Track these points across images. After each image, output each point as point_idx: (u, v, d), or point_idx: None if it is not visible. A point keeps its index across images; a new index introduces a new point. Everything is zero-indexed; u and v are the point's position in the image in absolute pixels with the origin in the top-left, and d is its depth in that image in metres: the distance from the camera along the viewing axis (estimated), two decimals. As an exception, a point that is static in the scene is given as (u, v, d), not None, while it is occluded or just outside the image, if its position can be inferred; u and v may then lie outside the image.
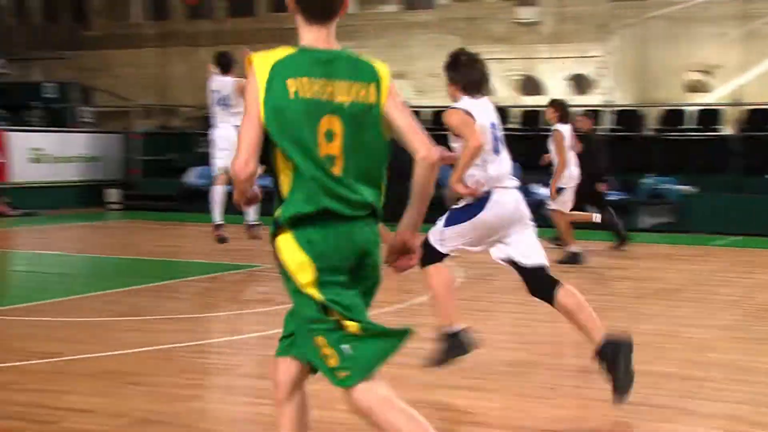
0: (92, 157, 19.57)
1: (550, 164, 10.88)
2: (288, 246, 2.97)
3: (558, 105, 10.80)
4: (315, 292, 2.95)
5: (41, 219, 16.77)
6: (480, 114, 5.25)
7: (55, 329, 6.99)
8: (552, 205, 10.96)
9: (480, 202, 5.15)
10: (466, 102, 5.29)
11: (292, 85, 2.90)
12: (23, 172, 18.02)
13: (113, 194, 19.43)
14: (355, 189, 2.96)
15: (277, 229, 3.00)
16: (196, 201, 18.47)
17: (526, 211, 5.22)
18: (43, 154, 18.54)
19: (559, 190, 10.88)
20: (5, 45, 22.03)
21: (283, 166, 2.95)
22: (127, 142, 20.11)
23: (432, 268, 5.27)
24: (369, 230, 3.01)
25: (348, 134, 2.94)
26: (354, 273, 2.99)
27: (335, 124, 2.93)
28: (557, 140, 10.68)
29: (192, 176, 19.23)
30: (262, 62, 2.94)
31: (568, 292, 4.99)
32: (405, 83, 20.29)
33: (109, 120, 21.62)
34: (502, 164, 5.27)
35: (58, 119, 20.47)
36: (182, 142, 20.46)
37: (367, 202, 2.99)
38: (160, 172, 20.02)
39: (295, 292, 3.01)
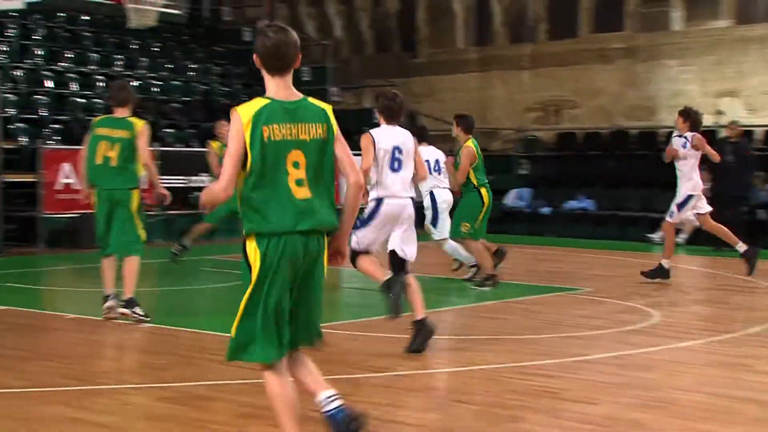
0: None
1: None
2: None
3: (685, 114, 10.72)
4: None
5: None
6: (384, 139, 6.89)
7: (384, 345, 7.24)
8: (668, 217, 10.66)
9: (374, 210, 6.90)
10: (378, 128, 6.93)
11: (266, 130, 3.87)
12: (353, 193, 18.99)
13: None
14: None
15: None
16: (513, 223, 18.57)
17: (409, 216, 7.00)
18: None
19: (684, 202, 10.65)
20: (341, 75, 23.44)
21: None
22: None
23: (359, 260, 7.13)
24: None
25: (310, 162, 3.93)
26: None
27: (300, 156, 3.91)
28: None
29: (511, 198, 19.34)
30: (244, 112, 3.91)
31: (410, 278, 7.15)
32: (735, 101, 19.18)
33: (434, 143, 22.30)
34: (396, 180, 6.87)
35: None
36: (501, 164, 20.64)
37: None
38: (481, 194, 20.32)
39: None
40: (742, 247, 10.97)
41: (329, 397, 4.04)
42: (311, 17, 24.97)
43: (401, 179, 6.92)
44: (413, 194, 7.03)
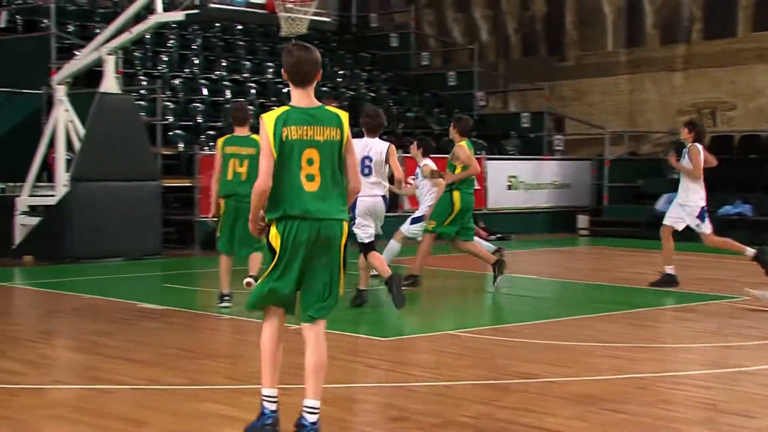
0: (563, 183, 19.99)
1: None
2: None
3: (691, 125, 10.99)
4: None
5: (514, 243, 17.43)
6: (359, 150, 8.53)
7: (531, 351, 7.18)
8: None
9: (353, 206, 8.56)
10: (356, 139, 7.56)
11: (285, 131, 4.59)
12: (499, 198, 18.89)
13: (582, 220, 19.64)
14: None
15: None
16: (666, 229, 18.07)
17: (380, 211, 9.07)
18: (517, 181, 19.31)
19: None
20: (487, 79, 23.39)
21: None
22: (597, 169, 20.25)
23: (370, 255, 8.97)
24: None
25: (323, 160, 4.65)
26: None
27: (314, 154, 4.63)
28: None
29: (661, 203, 18.81)
30: (269, 118, 4.64)
31: (374, 254, 8.95)
32: None
33: (580, 147, 21.96)
34: (366, 184, 8.66)
35: (532, 148, 21.24)
36: (651, 169, 20.13)
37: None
38: (629, 198, 19.86)
39: None
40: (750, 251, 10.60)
41: (311, 407, 4.63)
42: (457, 22, 24.99)
43: (369, 183, 8.83)
44: (383, 193, 9.04)
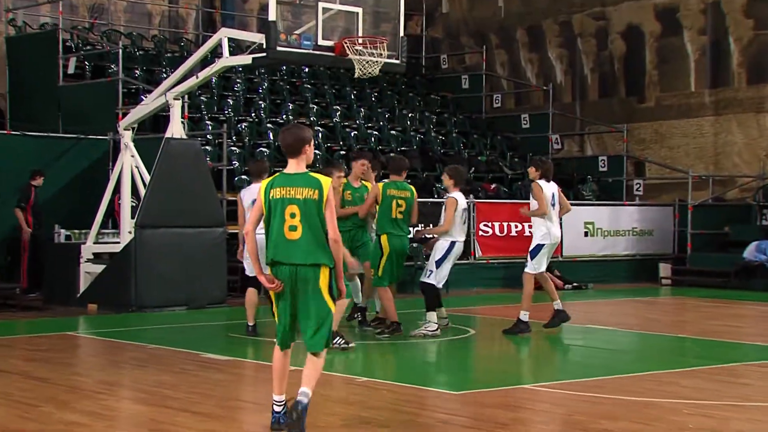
0: (643, 230, 19.74)
1: None
2: None
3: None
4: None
5: (591, 293, 17.23)
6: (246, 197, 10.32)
7: (612, 408, 7.06)
8: None
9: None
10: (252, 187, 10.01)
11: (272, 192, 5.93)
12: (575, 245, 18.71)
13: (664, 269, 19.33)
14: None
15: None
16: (752, 278, 17.68)
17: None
18: (595, 227, 19.12)
19: None
20: (562, 121, 23.32)
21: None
22: (680, 215, 19.97)
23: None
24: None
25: (302, 215, 5.87)
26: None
27: (294, 209, 5.87)
28: None
29: (750, 251, 18.44)
30: (264, 182, 6.03)
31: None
32: None
33: (661, 192, 21.70)
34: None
35: (610, 192, 21.05)
36: (739, 214, 19.78)
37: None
38: (715, 246, 19.53)
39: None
40: None
41: (302, 392, 5.90)
42: (531, 62, 25.03)
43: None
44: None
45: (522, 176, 20.89)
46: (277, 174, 6.03)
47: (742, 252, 18.20)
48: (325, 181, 5.90)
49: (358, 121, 20.99)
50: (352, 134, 20.23)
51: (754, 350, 10.29)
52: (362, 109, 21.52)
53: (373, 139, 20.42)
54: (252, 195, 10.09)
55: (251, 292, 10.75)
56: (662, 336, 11.53)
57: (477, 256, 17.55)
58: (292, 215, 5.83)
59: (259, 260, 6.04)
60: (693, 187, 20.07)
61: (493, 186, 20.20)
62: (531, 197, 11.00)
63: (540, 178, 10.94)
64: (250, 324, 10.80)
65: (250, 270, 10.41)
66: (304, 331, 5.95)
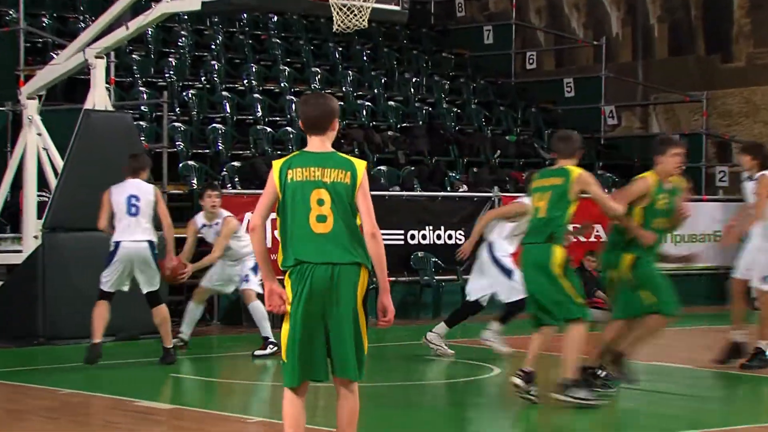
0: (728, 234, 19.67)
1: None
2: None
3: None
4: None
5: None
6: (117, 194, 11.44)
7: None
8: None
9: None
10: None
11: (290, 173, 6.00)
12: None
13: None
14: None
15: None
16: None
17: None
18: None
19: None
20: (620, 88, 23.18)
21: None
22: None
23: None
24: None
25: (332, 202, 5.96)
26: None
27: (323, 194, 5.95)
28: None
29: None
30: (277, 162, 6.08)
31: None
32: None
33: (753, 182, 21.65)
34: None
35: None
36: None
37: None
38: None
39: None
40: None
41: None
42: (577, 8, 24.99)
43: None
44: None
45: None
46: (295, 153, 6.15)
47: None
48: (359, 164, 6.05)
49: (344, 89, 20.95)
50: (341, 104, 20.14)
51: None
52: (350, 72, 21.46)
53: (364, 112, 20.38)
54: (123, 194, 11.25)
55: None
56: (758, 378, 11.46)
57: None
58: (320, 202, 5.93)
59: (268, 264, 6.06)
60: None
61: (525, 175, 20.12)
62: (749, 194, 11.55)
63: (763, 169, 11.37)
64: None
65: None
66: (335, 355, 5.94)
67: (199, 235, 12.43)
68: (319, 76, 20.87)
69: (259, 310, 12.04)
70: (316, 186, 5.93)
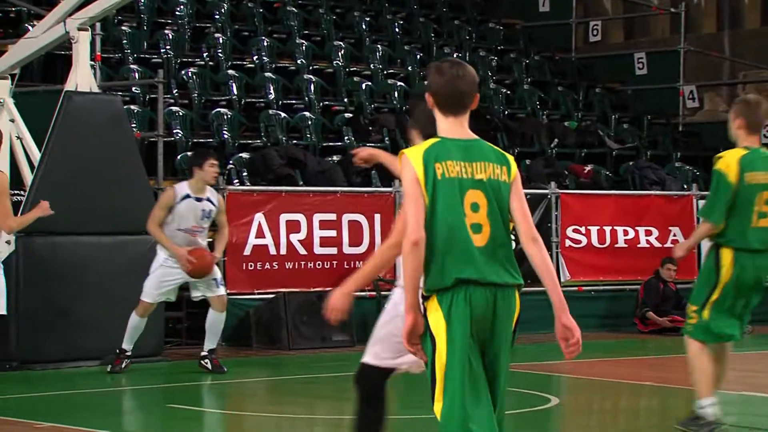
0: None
1: None
2: None
3: None
4: None
5: (750, 340, 17.13)
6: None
7: None
8: None
9: None
10: None
11: (439, 167, 5.64)
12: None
13: None
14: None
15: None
16: None
17: None
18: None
19: None
20: (702, 65, 23.15)
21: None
22: None
23: None
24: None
25: (490, 205, 5.66)
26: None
27: (479, 197, 5.62)
28: None
29: None
30: (413, 153, 5.70)
31: None
32: None
33: None
34: None
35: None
36: None
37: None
38: None
39: None
40: None
41: None
42: (650, -30, 24.99)
43: None
44: None
45: (637, 152, 20.82)
46: (436, 140, 5.79)
47: None
48: (509, 157, 5.82)
49: (372, 65, 20.98)
50: (364, 85, 20.22)
51: None
52: (379, 47, 21.50)
53: (396, 94, 20.41)
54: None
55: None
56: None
57: (562, 280, 17.50)
58: (475, 207, 5.66)
59: (417, 290, 5.68)
60: None
61: (588, 168, 20.16)
62: None
63: None
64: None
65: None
66: (493, 404, 5.67)
67: None
68: (342, 51, 20.91)
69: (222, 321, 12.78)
70: (473, 186, 5.65)
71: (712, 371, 9.12)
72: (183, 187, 12.54)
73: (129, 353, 12.75)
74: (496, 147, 5.79)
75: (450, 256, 5.57)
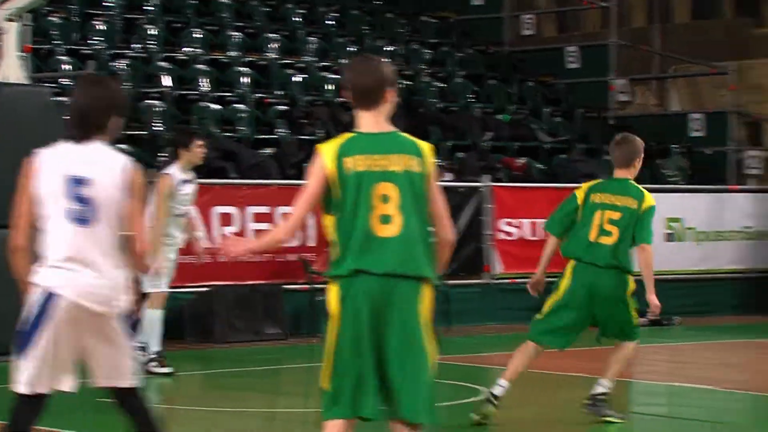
0: (762, 231, 19.77)
1: None
2: None
3: None
4: None
5: (677, 331, 17.24)
6: None
7: None
8: None
9: None
10: None
11: (348, 162, 5.86)
12: (654, 256, 18.60)
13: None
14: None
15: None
16: None
17: None
18: (683, 227, 19.08)
19: None
20: (633, 58, 23.20)
21: None
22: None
23: None
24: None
25: (401, 197, 5.86)
26: None
27: (389, 189, 5.83)
28: None
29: None
30: (326, 148, 5.93)
31: None
32: None
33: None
34: None
35: (708, 172, 21.04)
36: None
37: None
38: None
39: None
40: None
41: None
42: (582, -36, 25.07)
43: None
44: None
45: (569, 145, 20.87)
46: (350, 135, 6.02)
47: None
48: (426, 147, 6.02)
49: (305, 58, 20.92)
50: (295, 79, 20.16)
51: None
52: (313, 39, 21.44)
53: (328, 87, 20.36)
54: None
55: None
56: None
57: (495, 272, 17.51)
58: (385, 199, 5.86)
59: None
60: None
61: (521, 161, 20.18)
62: None
63: None
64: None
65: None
66: (398, 390, 5.86)
67: None
68: (276, 44, 20.84)
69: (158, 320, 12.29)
70: (383, 178, 5.87)
71: (521, 363, 9.83)
72: (175, 171, 12.21)
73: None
74: (413, 139, 6.00)
75: (350, 246, 5.80)
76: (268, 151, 18.02)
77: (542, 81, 23.18)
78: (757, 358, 15.09)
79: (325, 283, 6.05)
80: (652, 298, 9.72)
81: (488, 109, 21.63)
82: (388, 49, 22.12)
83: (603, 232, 9.66)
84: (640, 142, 10.27)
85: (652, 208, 9.74)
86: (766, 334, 17.07)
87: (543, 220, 18.17)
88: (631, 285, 9.78)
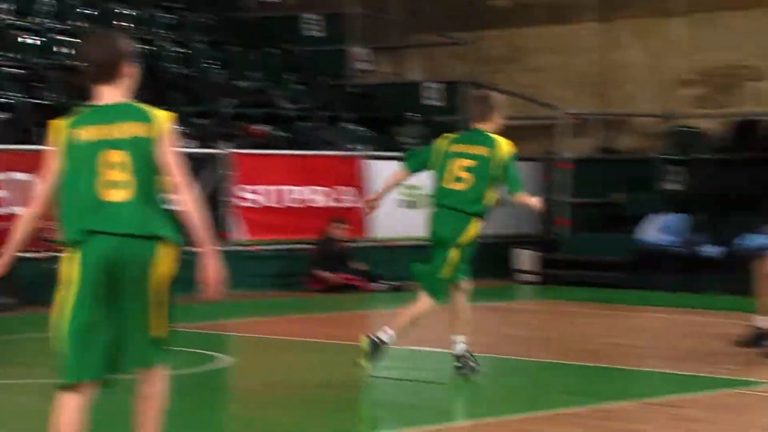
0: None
1: None
2: None
3: None
4: None
5: (407, 295, 17.44)
6: None
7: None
8: None
9: None
10: None
11: (75, 133, 6.00)
12: (392, 222, 18.81)
13: (527, 258, 19.76)
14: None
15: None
16: (658, 270, 18.26)
17: None
18: (420, 194, 19.25)
19: None
20: (372, 28, 23.27)
21: None
22: (549, 175, 20.48)
23: None
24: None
25: (132, 163, 5.97)
26: None
27: (117, 156, 5.95)
28: None
29: (652, 230, 19.08)
30: (58, 122, 6.02)
31: None
32: None
33: (520, 139, 22.04)
34: None
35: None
36: (637, 174, 20.39)
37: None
38: (602, 222, 20.15)
39: None
40: None
41: None
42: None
43: None
44: None
45: (310, 113, 20.91)
46: (82, 110, 6.12)
47: (640, 231, 18.81)
48: (158, 114, 6.09)
49: (40, 20, 20.55)
50: (32, 41, 19.76)
51: (655, 381, 10.67)
52: (48, 1, 21.03)
53: (65, 50, 20.05)
54: None
55: None
56: (518, 361, 11.89)
57: (234, 239, 17.47)
58: (112, 165, 5.96)
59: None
60: (573, 130, 20.58)
61: (262, 128, 20.16)
62: None
63: None
64: None
65: None
66: (126, 346, 6.03)
67: None
68: (8, 5, 20.34)
69: None
70: (110, 145, 5.97)
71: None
72: None
73: None
74: (146, 107, 6.09)
75: (76, 211, 5.96)
76: (1, 115, 17.63)
77: (283, 48, 23.17)
78: (489, 321, 15.36)
79: (59, 251, 6.06)
80: (532, 200, 10.49)
81: (229, 77, 21.55)
82: (128, 12, 21.85)
83: (457, 179, 10.23)
84: (496, 97, 10.85)
85: (510, 156, 10.20)
86: (496, 298, 17.44)
87: (285, 187, 18.43)
88: (472, 230, 10.65)
